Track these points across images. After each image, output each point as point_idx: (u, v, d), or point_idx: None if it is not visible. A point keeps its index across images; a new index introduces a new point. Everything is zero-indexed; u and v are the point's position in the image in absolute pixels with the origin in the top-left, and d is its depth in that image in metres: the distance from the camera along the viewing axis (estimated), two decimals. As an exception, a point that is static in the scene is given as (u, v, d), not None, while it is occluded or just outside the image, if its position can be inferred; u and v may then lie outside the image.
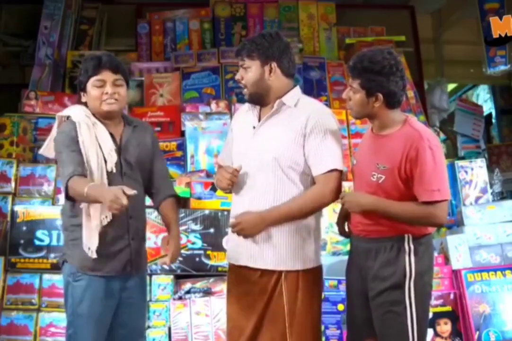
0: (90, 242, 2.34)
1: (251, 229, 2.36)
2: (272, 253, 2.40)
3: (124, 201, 2.14)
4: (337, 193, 2.40)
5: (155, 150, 2.62)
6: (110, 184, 2.38)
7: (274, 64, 2.43)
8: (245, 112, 2.58)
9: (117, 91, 2.44)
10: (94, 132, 2.42)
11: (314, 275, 2.46)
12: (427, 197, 2.25)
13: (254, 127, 2.49)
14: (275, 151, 2.40)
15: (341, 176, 2.42)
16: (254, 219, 2.37)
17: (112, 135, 2.47)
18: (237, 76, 2.49)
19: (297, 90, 2.52)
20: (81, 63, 2.56)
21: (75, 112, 2.48)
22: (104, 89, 2.43)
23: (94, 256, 2.34)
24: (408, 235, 2.33)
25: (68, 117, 2.47)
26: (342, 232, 2.59)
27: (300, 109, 2.45)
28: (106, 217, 2.35)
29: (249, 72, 2.44)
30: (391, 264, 2.32)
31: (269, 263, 2.40)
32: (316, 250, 2.48)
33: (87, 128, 2.41)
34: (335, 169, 2.39)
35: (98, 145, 2.41)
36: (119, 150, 2.47)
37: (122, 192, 2.15)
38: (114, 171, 2.42)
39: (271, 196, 2.40)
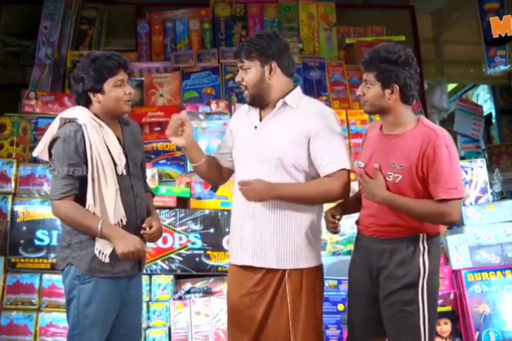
0: (104, 246, 2.34)
1: (257, 192, 2.38)
2: (275, 252, 2.41)
3: (143, 255, 2.36)
4: (345, 190, 2.42)
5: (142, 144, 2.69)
6: (121, 186, 2.40)
7: (274, 64, 2.44)
8: (246, 113, 2.59)
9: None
10: (102, 135, 2.39)
11: (316, 274, 2.47)
12: (444, 195, 2.25)
13: (255, 127, 2.50)
14: (278, 151, 2.42)
15: (349, 174, 2.45)
16: (264, 185, 2.38)
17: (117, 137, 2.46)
18: (237, 78, 2.49)
19: (298, 90, 2.54)
20: (84, 63, 2.44)
21: (80, 114, 2.42)
22: (124, 89, 2.42)
23: (107, 260, 2.34)
24: (423, 235, 2.34)
25: (70, 119, 2.41)
26: (330, 227, 2.49)
27: (303, 111, 2.46)
28: (122, 220, 2.37)
29: (249, 73, 2.44)
30: (406, 264, 2.33)
31: (273, 261, 2.41)
32: (318, 249, 2.50)
33: (95, 131, 2.37)
34: (344, 169, 2.42)
35: (107, 148, 2.39)
36: (125, 152, 2.46)
37: (144, 246, 2.32)
38: (124, 173, 2.43)
39: None
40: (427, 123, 2.38)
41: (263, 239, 2.41)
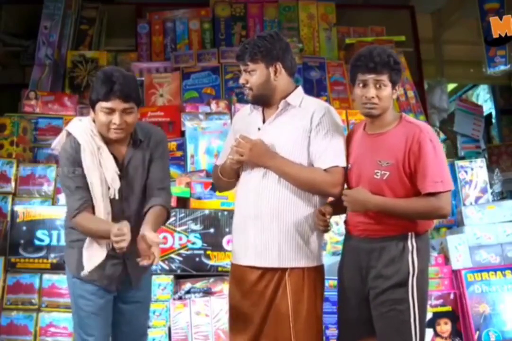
0: (88, 264, 2.35)
1: (252, 153, 2.39)
2: (277, 251, 2.40)
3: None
4: (335, 186, 2.39)
5: (156, 159, 2.46)
6: (112, 209, 2.38)
7: (279, 65, 2.45)
8: (248, 115, 2.58)
9: (126, 119, 2.31)
10: (98, 158, 2.35)
11: (318, 273, 2.46)
12: (431, 189, 2.27)
13: (259, 128, 2.49)
14: (284, 151, 2.42)
15: (344, 171, 2.43)
16: (265, 149, 2.40)
17: (115, 157, 2.39)
18: (241, 81, 2.48)
19: (300, 90, 2.55)
20: (96, 75, 2.38)
21: (81, 132, 2.37)
22: (112, 117, 2.30)
23: (86, 274, 2.35)
24: (411, 233, 2.34)
25: (71, 134, 2.39)
26: (320, 225, 2.43)
27: (305, 108, 2.47)
28: (109, 244, 2.33)
29: (254, 75, 2.44)
30: (396, 262, 2.33)
31: (275, 260, 2.40)
32: (319, 248, 2.48)
33: (91, 154, 2.33)
34: (338, 166, 2.41)
35: (102, 171, 2.36)
36: (121, 174, 2.40)
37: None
38: (117, 197, 2.38)
39: (277, 196, 2.41)
40: (410, 119, 2.43)
41: (267, 239, 2.40)
